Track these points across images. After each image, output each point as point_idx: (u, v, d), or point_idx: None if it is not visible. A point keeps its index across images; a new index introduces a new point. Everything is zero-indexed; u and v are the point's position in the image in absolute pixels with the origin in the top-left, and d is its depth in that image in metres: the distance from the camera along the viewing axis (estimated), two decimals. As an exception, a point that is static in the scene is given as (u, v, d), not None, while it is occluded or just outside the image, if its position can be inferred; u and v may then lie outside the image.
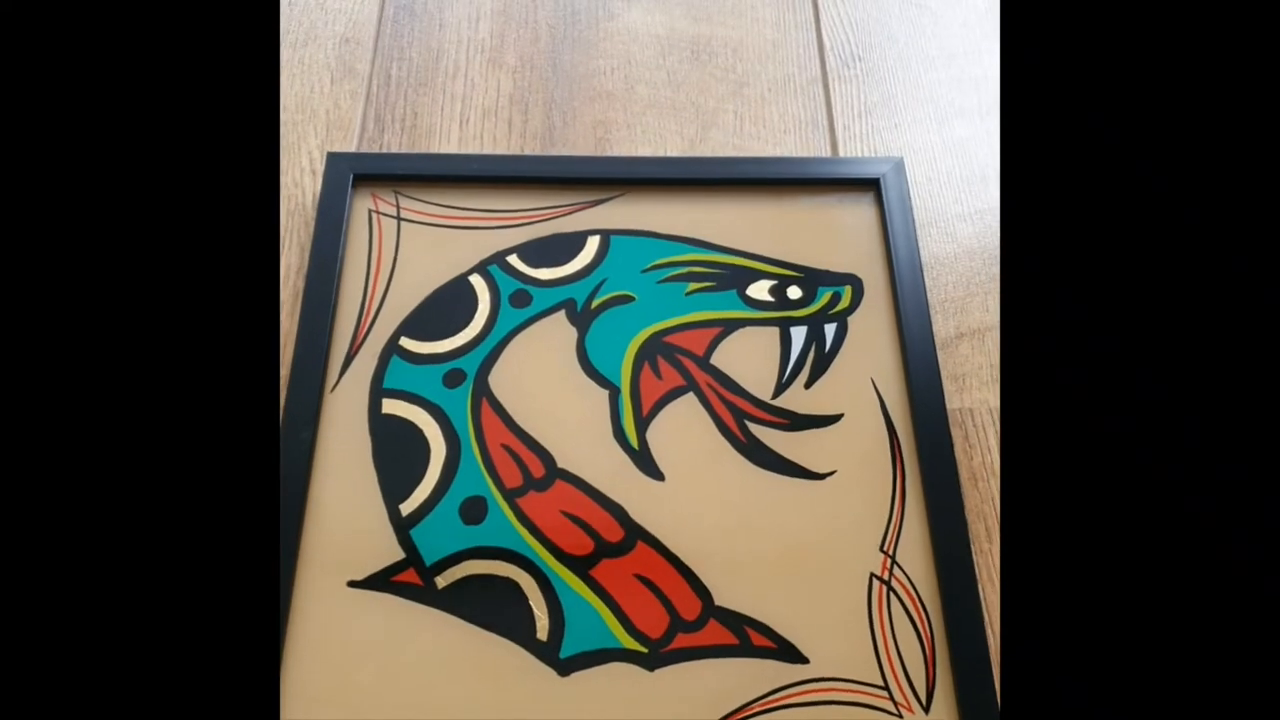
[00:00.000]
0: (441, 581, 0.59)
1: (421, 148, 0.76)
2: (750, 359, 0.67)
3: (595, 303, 0.68)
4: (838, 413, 0.65)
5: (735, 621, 0.58)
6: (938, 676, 0.57)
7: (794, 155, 0.77)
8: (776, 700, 0.56)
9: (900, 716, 0.56)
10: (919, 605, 0.59)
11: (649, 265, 0.70)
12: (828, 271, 0.70)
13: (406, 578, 0.59)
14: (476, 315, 0.67)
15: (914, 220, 0.72)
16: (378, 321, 0.67)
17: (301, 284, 0.68)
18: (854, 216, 0.72)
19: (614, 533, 0.61)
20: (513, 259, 0.70)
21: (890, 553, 0.60)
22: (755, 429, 0.64)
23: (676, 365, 0.66)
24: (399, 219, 0.71)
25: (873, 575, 0.60)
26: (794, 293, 0.69)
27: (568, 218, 0.72)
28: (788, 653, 0.58)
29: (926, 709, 0.56)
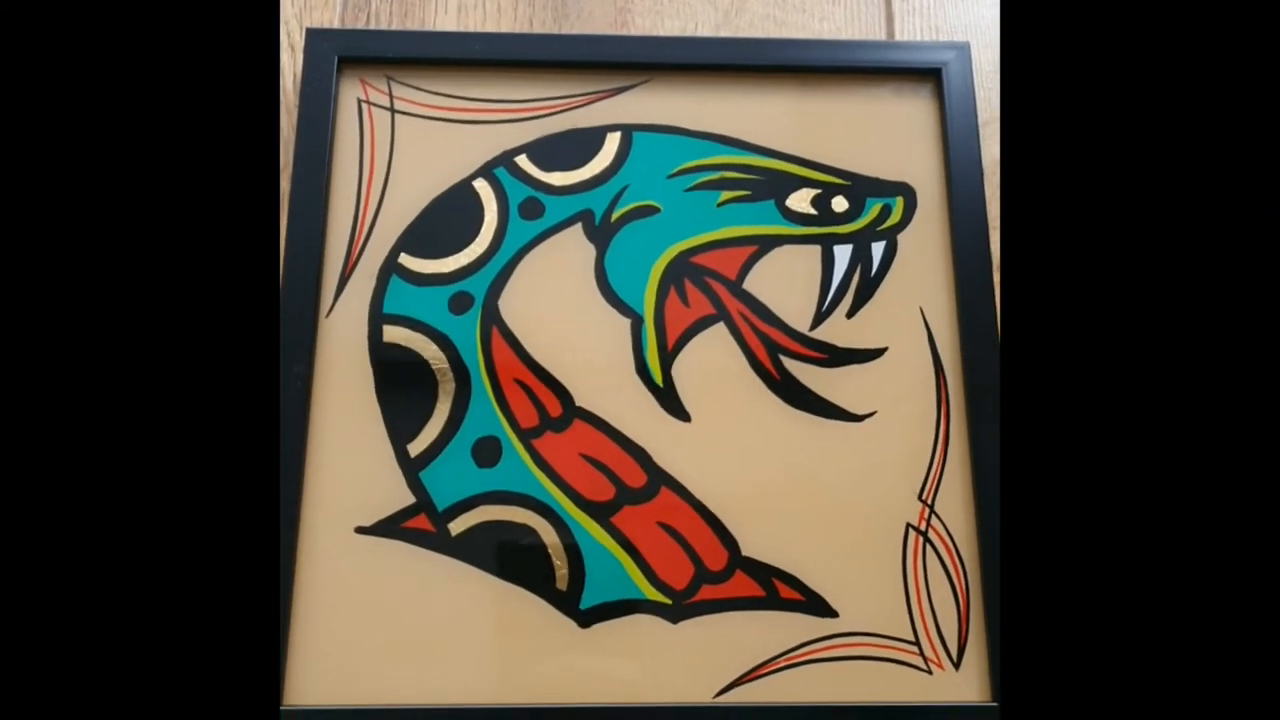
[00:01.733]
0: (455, 528, 0.56)
1: (414, 23, 0.66)
2: (788, 283, 0.60)
3: (615, 214, 0.61)
4: (881, 346, 0.59)
5: (763, 573, 0.56)
6: (970, 633, 0.55)
7: (843, 36, 0.67)
8: (803, 655, 0.55)
9: (930, 673, 0.55)
10: (956, 558, 0.56)
11: (676, 169, 0.62)
12: (877, 180, 0.62)
13: (417, 524, 0.56)
14: (483, 228, 0.61)
15: (978, 119, 0.63)
16: (374, 234, 0.60)
17: (286, 187, 0.61)
18: (909, 113, 0.64)
19: (636, 478, 0.57)
20: (522, 160, 0.62)
21: (929, 502, 0.57)
22: (790, 364, 0.59)
23: (706, 290, 0.60)
24: (392, 110, 0.62)
25: (909, 525, 0.57)
26: (839, 205, 0.62)
27: (584, 110, 0.63)
28: (816, 606, 0.55)
29: (957, 666, 0.55)
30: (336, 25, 0.65)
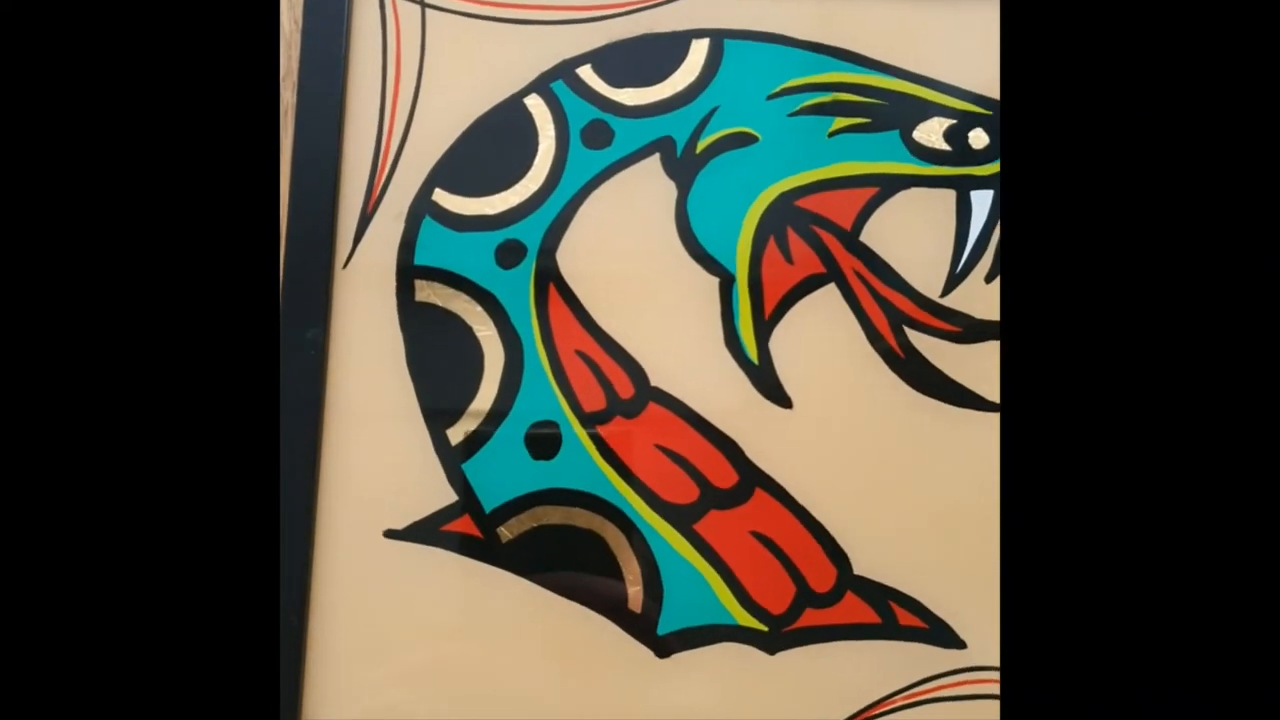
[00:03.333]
0: (506, 533, 0.46)
1: (449, -113, 0.52)
2: (915, 236, 0.49)
3: (702, 144, 0.49)
4: (1027, 318, 0.48)
5: (878, 595, 0.46)
6: (1127, 673, 0.46)
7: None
8: (925, 692, 0.46)
9: (1076, 719, 0.46)
10: (1112, 582, 0.46)
11: (778, 89, 0.50)
12: (1028, 106, 0.50)
13: (460, 527, 0.46)
14: (537, 159, 0.48)
15: (1158, 30, 0.50)
16: (401, 164, 0.48)
17: (292, 101, 0.49)
18: (1072, 21, 0.51)
19: (725, 476, 0.47)
20: (585, 73, 0.49)
21: (1081, 512, 0.47)
22: (916, 338, 0.48)
23: (813, 242, 0.49)
24: (423, 4, 0.49)
25: (1055, 540, 0.47)
26: (978, 139, 0.50)
27: (664, 9, 0.50)
28: (941, 635, 0.46)
29: (1109, 711, 0.46)
30: (350, -110, 0.52)
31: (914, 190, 0.49)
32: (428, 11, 0.49)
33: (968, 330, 0.48)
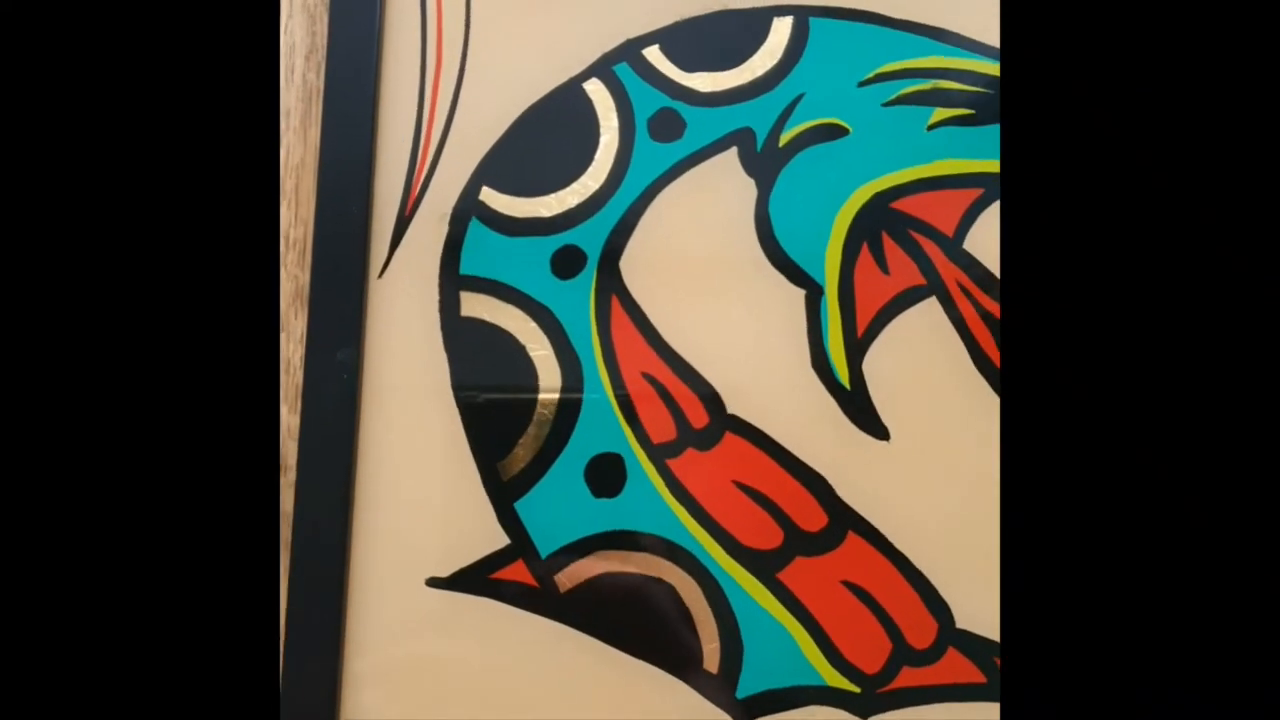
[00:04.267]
0: (565, 581, 0.40)
1: None
2: (1026, 245, 0.43)
3: (785, 136, 0.43)
4: (1153, 339, 0.43)
5: (983, 651, 0.41)
6: (1266, 742, 0.41)
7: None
8: (1036, 763, 0.40)
9: (1208, 794, 0.40)
10: (1248, 639, 0.41)
11: (870, 74, 0.44)
12: (1154, 96, 0.44)
13: (513, 574, 0.40)
14: (599, 153, 0.43)
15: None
16: (443, 158, 0.42)
17: (318, 85, 0.43)
18: None
19: (813, 517, 0.41)
20: (653, 54, 0.43)
21: (1213, 559, 0.41)
22: (1028, 361, 0.42)
23: (912, 250, 0.43)
24: (466, -26, 0.43)
25: (1184, 591, 0.41)
26: (1099, 132, 0.44)
27: (740, -18, 0.44)
28: (1055, 698, 0.41)
29: (1246, 786, 0.40)
30: None
31: (1025, 191, 0.43)
32: (473, -18, 0.43)
33: (1086, 352, 0.42)
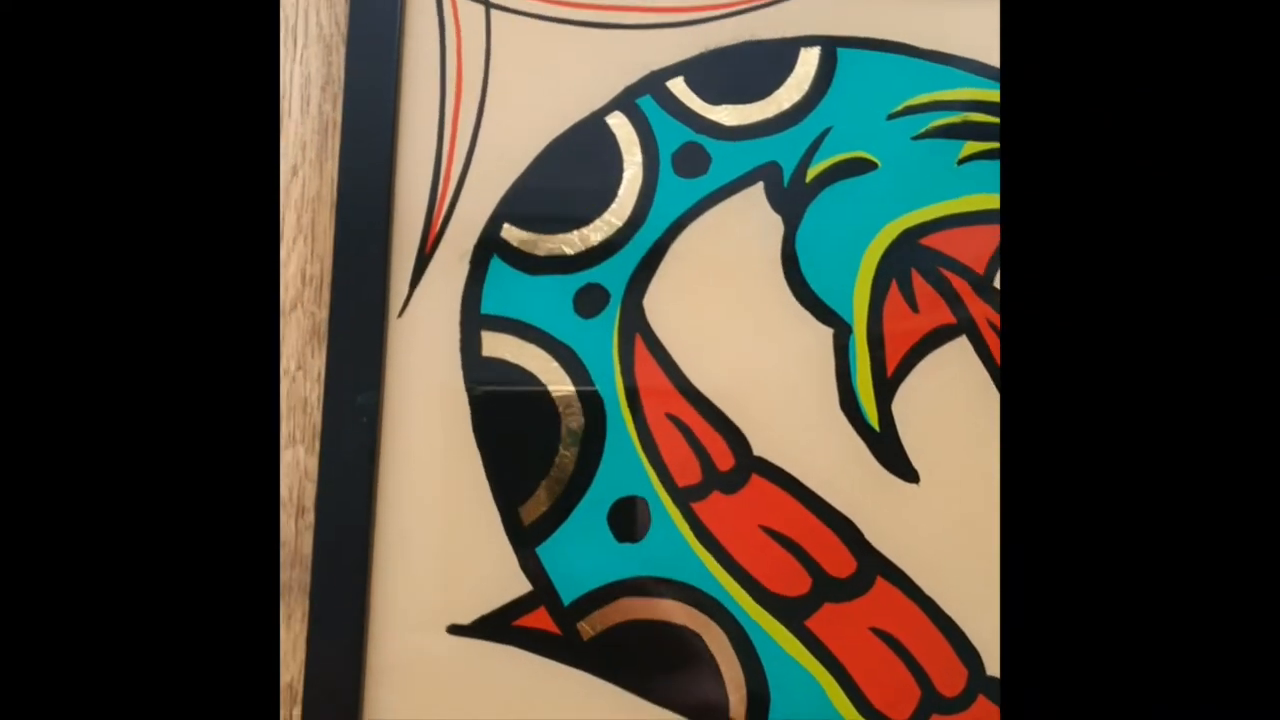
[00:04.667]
0: (588, 629, 0.39)
1: None
2: (1059, 283, 0.42)
3: (813, 171, 0.42)
4: (1190, 379, 0.42)
5: (1015, 700, 0.40)
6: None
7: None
8: (1069, 815, 0.40)
9: (1245, 847, 0.40)
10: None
11: (899, 107, 0.43)
12: (1190, 129, 0.43)
13: (535, 621, 0.40)
14: (622, 188, 0.42)
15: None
16: (464, 194, 0.41)
17: (335, 117, 0.42)
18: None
19: (842, 563, 0.40)
20: (677, 86, 0.42)
21: (1250, 606, 0.40)
22: (1061, 402, 0.41)
23: (942, 287, 0.42)
24: (487, 4, 0.42)
25: (1221, 638, 0.40)
26: (1134, 166, 0.43)
27: (766, 11, 0.43)
28: (1088, 747, 0.40)
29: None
30: None
31: (1058, 228, 0.42)
32: (493, 13, 0.42)
33: (1121, 393, 0.41)
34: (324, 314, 0.41)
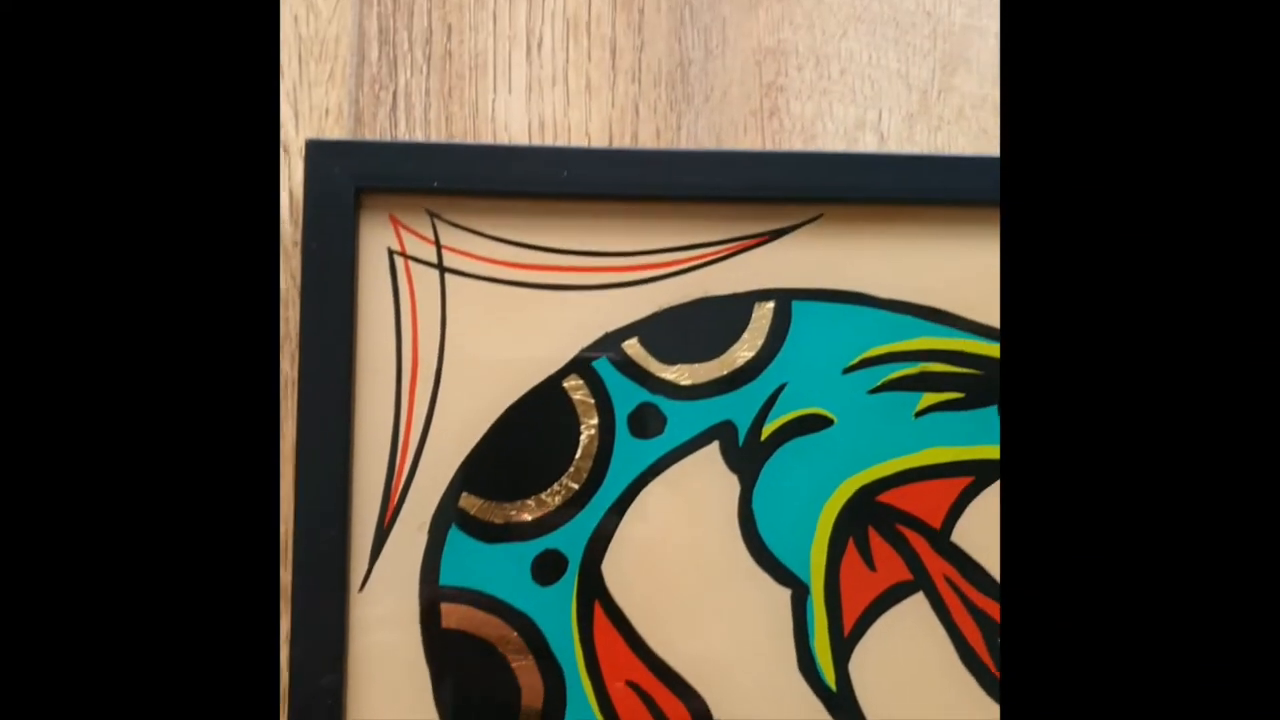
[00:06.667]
0: None
1: (463, 124, 0.44)
2: (1016, 539, 0.42)
3: (768, 429, 0.42)
4: (1148, 633, 0.42)
5: None
6: None
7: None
8: None
9: None
10: None
11: (855, 360, 0.43)
12: (1149, 375, 0.43)
13: None
14: (579, 453, 0.42)
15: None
16: (421, 465, 0.42)
17: (292, 375, 0.42)
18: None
19: (801, 827, 0.41)
20: (632, 347, 0.42)
21: None
22: (1018, 660, 0.41)
23: (899, 544, 0.42)
24: (441, 268, 0.42)
25: None
26: (1092, 415, 0.43)
27: (719, 265, 0.43)
28: None
29: None
30: (349, 132, 0.44)
31: (1015, 481, 0.42)
32: (448, 277, 0.42)
33: (1078, 649, 0.41)
34: (288, 578, 0.41)
